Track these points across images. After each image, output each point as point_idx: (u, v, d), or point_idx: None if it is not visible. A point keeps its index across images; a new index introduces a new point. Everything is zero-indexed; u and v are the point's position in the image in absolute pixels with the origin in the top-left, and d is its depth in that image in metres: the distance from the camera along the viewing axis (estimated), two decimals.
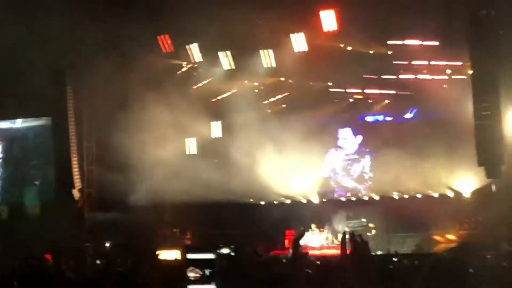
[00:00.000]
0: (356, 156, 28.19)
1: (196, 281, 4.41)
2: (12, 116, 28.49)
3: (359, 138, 28.05)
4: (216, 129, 27.91)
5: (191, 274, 4.46)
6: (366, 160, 27.99)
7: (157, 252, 21.84)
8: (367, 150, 28.01)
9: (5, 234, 26.37)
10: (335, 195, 27.99)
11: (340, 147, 28.26)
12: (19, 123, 28.80)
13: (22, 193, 28.54)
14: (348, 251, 11.31)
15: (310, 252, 24.37)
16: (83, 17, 23.54)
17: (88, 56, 24.95)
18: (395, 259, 17.25)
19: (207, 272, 7.91)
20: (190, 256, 4.46)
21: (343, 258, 10.67)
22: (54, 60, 25.17)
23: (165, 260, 18.62)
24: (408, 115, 27.13)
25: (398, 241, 25.63)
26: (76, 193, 27.24)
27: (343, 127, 28.24)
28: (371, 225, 26.45)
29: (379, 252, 23.59)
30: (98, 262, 18.84)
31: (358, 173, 28.12)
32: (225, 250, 18.00)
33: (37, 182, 28.40)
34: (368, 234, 25.87)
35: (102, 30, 23.96)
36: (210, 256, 4.35)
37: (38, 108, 27.25)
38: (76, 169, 27.28)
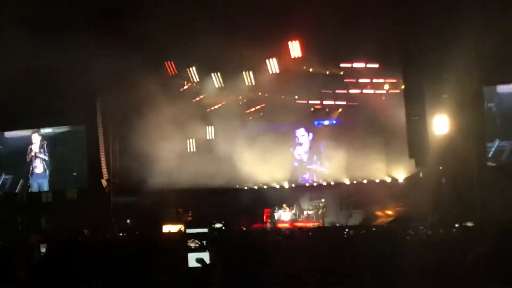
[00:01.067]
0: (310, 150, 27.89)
1: (195, 250, 4.14)
2: (55, 124, 28.12)
3: (311, 135, 27.70)
4: (210, 132, 27.64)
5: (192, 244, 4.19)
6: (320, 152, 27.67)
7: (164, 226, 21.67)
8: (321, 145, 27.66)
9: (51, 214, 26.20)
10: (300, 181, 27.64)
11: (300, 143, 27.90)
12: (61, 128, 28.29)
13: (63, 182, 28.11)
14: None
15: (281, 225, 24.21)
16: (108, 47, 23.22)
17: (113, 77, 24.58)
18: (346, 230, 16.96)
19: (204, 242, 7.67)
20: (189, 230, 4.18)
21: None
22: (87, 80, 24.84)
23: (170, 232, 18.32)
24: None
25: (348, 216, 25.42)
26: (104, 182, 27.11)
27: (298, 128, 27.86)
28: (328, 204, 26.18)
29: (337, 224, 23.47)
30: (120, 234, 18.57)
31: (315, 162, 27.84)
32: (218, 225, 17.75)
33: (74, 174, 28.01)
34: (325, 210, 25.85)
35: (123, 56, 23.59)
36: (204, 230, 4.07)
37: (75, 117, 26.92)
38: (104, 164, 27.14)
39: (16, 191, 28.39)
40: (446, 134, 21.76)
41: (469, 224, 12.82)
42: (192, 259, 3.51)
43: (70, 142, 28.26)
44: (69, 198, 27.75)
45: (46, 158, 28.30)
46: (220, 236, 10.90)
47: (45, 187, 28.27)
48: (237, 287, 3.55)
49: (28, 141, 28.41)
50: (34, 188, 28.31)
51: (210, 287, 3.33)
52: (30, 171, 28.36)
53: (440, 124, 21.79)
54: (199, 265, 3.44)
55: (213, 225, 14.05)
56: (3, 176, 28.64)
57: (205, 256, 3.47)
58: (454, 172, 21.62)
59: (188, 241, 4.12)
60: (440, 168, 22.18)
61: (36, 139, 28.40)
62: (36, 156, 28.35)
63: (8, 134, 28.85)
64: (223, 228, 17.35)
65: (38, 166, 28.33)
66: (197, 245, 3.95)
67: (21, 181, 28.44)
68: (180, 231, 17.06)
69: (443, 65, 20.93)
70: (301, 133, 27.87)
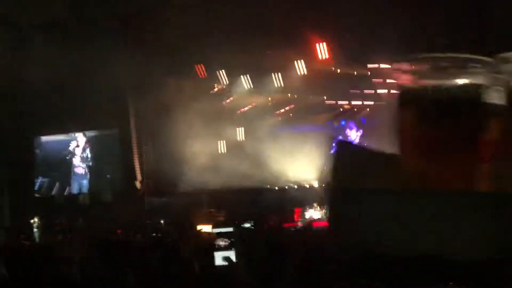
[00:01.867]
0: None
1: (222, 248, 4.33)
2: (90, 128, 28.65)
3: (359, 132, 27.77)
4: (240, 133, 27.81)
5: (221, 242, 4.36)
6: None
7: (197, 226, 21.93)
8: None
9: (87, 215, 26.61)
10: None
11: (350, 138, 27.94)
12: (95, 132, 28.82)
13: (99, 184, 28.55)
14: None
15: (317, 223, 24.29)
16: (140, 51, 23.66)
17: (144, 81, 25.01)
18: None
19: (232, 241, 7.85)
20: (215, 230, 4.37)
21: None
22: (121, 86, 25.27)
23: (201, 232, 18.55)
24: None
25: None
26: (138, 184, 27.42)
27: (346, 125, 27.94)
28: None
29: None
30: (153, 234, 18.85)
31: None
32: (247, 224, 17.91)
33: (109, 176, 28.42)
34: None
35: (154, 60, 24.01)
36: (230, 229, 4.26)
37: (108, 121, 27.40)
38: (137, 166, 27.48)
39: (53, 193, 28.94)
40: None
41: None
42: (219, 258, 3.69)
43: (105, 145, 28.70)
44: (105, 200, 28.20)
45: (88, 160, 28.76)
46: (251, 235, 11.11)
47: (85, 189, 28.76)
48: (262, 286, 3.72)
49: (65, 145, 28.93)
50: (75, 190, 28.81)
51: (236, 285, 3.51)
52: (71, 173, 28.87)
53: None
54: (225, 263, 3.63)
55: (241, 225, 14.23)
56: (40, 179, 29.19)
57: (232, 254, 3.64)
58: None
59: (218, 239, 4.29)
60: None
61: (81, 141, 28.90)
62: (77, 158, 28.85)
63: (44, 138, 29.40)
64: (252, 227, 17.49)
65: (79, 169, 28.81)
66: (227, 243, 4.11)
67: (57, 183, 28.98)
68: (209, 233, 17.34)
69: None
70: (351, 129, 27.92)
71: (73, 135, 28.94)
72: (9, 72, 25.00)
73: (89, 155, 28.82)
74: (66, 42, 23.82)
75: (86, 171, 28.81)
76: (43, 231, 23.89)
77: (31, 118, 26.95)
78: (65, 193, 28.85)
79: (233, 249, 3.63)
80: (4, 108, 26.53)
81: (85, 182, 28.79)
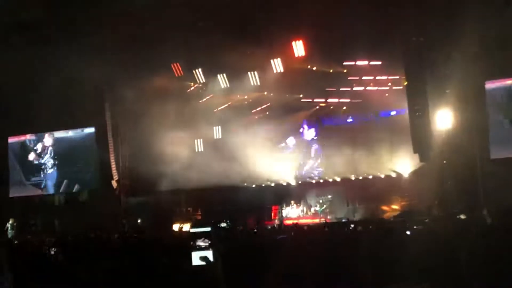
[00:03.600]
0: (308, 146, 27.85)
1: (200, 248, 4.19)
2: (66, 127, 28.14)
3: (313, 131, 27.70)
4: (217, 132, 27.63)
5: (201, 243, 4.24)
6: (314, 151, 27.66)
7: (174, 225, 21.75)
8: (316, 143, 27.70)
9: (62, 216, 26.28)
10: (307, 179, 27.61)
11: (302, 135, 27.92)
12: (71, 132, 28.31)
13: (74, 184, 28.17)
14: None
15: (289, 222, 24.18)
16: (116, 50, 23.36)
17: (121, 81, 24.71)
18: (352, 225, 17.02)
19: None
20: (193, 230, 4.23)
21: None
22: (96, 85, 24.95)
23: (175, 231, 18.40)
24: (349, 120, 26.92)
25: (354, 211, 25.47)
26: (114, 183, 27.15)
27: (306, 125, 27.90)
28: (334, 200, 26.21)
29: (343, 220, 23.54)
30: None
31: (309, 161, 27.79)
32: (223, 224, 17.81)
33: (85, 176, 28.01)
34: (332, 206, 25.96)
35: (131, 60, 23.75)
36: (208, 229, 4.12)
37: (84, 120, 27.05)
38: (114, 165, 27.15)
39: (27, 194, 28.58)
40: (449, 129, 21.78)
41: (462, 216, 12.85)
42: (196, 258, 3.55)
43: (80, 145, 28.29)
44: (81, 200, 27.88)
45: (63, 160, 28.37)
46: (224, 234, 10.96)
47: (60, 189, 28.35)
48: (239, 285, 3.59)
49: (39, 145, 28.55)
50: (50, 190, 28.41)
51: (214, 285, 3.37)
52: (46, 173, 28.49)
53: (443, 119, 21.81)
54: (203, 263, 3.48)
55: (218, 224, 14.08)
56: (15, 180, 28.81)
57: (209, 254, 3.50)
58: (458, 166, 21.62)
59: (198, 240, 4.17)
60: (444, 162, 22.20)
61: (48, 141, 28.49)
62: (52, 158, 28.47)
63: (18, 138, 28.95)
64: (228, 227, 17.39)
65: (53, 169, 28.43)
66: (207, 244, 3.98)
67: (31, 184, 28.64)
68: (180, 229, 17.18)
69: (445, 60, 20.93)
70: (305, 128, 27.87)
71: (47, 134, 28.46)
72: None
73: (65, 155, 28.37)
74: (42, 42, 23.45)
75: (61, 171, 28.32)
76: (19, 231, 23.63)
77: (3, 119, 26.43)
78: (41, 193, 28.39)
79: (210, 249, 3.49)
80: None
81: (60, 182, 28.31)
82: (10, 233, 24.17)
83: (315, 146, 27.59)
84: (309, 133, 27.69)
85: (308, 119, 27.65)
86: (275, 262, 5.95)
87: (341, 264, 6.08)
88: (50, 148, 28.42)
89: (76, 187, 28.03)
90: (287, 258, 7.28)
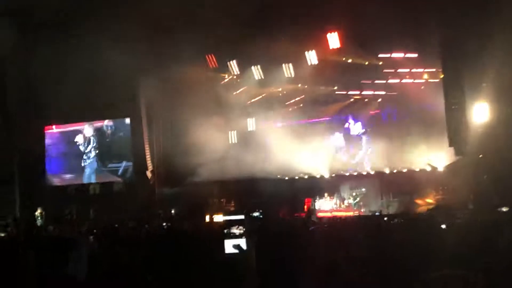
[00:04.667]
0: (357, 139, 27.64)
1: (233, 236, 4.19)
2: (102, 117, 28.50)
3: (359, 124, 27.51)
4: (251, 123, 27.61)
5: (235, 231, 4.23)
6: (365, 142, 27.46)
7: (207, 216, 21.80)
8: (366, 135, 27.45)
9: (97, 206, 26.50)
10: (341, 171, 27.46)
11: (347, 130, 27.73)
12: (107, 122, 28.61)
13: (109, 174, 28.43)
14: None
15: (322, 214, 24.10)
16: (151, 41, 23.48)
17: (155, 72, 24.82)
18: (385, 218, 16.92)
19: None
20: (226, 217, 4.24)
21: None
22: (130, 75, 25.06)
23: (212, 221, 18.44)
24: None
25: (388, 205, 25.31)
26: (149, 174, 27.29)
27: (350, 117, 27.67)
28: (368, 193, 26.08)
29: (376, 213, 23.40)
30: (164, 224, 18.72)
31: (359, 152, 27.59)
32: (255, 213, 17.81)
33: (120, 166, 28.24)
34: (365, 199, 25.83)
35: (165, 51, 23.82)
36: (241, 217, 4.11)
37: (120, 110, 27.35)
38: (148, 156, 27.33)
39: (63, 183, 28.93)
40: (486, 123, 21.43)
41: (504, 209, 12.63)
42: (229, 245, 3.54)
43: (116, 135, 28.55)
44: (116, 190, 28.11)
45: (98, 150, 28.66)
46: (257, 223, 10.94)
47: (93, 179, 28.66)
48: (272, 274, 3.59)
49: (76, 135, 28.84)
50: (85, 180, 28.73)
51: (247, 273, 3.36)
52: (82, 163, 28.81)
53: (480, 113, 21.49)
54: (236, 251, 3.48)
55: (251, 214, 14.06)
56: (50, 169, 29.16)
57: (242, 242, 3.50)
58: (494, 160, 21.27)
59: (233, 227, 4.18)
60: (480, 156, 21.88)
61: (88, 132, 28.80)
62: (88, 149, 28.76)
63: (56, 128, 29.29)
64: (261, 216, 17.38)
65: (89, 159, 28.72)
66: (241, 231, 3.97)
67: (67, 174, 28.96)
68: (211, 219, 17.23)
69: (482, 52, 20.60)
70: (351, 122, 27.74)
71: (87, 125, 28.77)
72: (23, 64, 25.13)
73: (100, 145, 28.65)
74: (77, 34, 23.70)
75: (97, 161, 28.62)
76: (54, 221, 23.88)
77: (42, 109, 26.77)
78: (76, 183, 28.71)
79: (243, 237, 3.47)
80: (15, 98, 26.43)
81: (95, 172, 28.62)
82: (39, 222, 24.46)
83: (365, 137, 27.38)
84: (356, 127, 27.49)
85: (354, 113, 27.49)
86: (309, 251, 5.91)
87: (377, 254, 6.00)
88: (91, 138, 28.68)
89: (110, 178, 28.28)
90: (320, 248, 7.24)
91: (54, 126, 29.26)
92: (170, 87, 25.08)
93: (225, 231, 3.45)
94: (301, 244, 5.95)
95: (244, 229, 3.41)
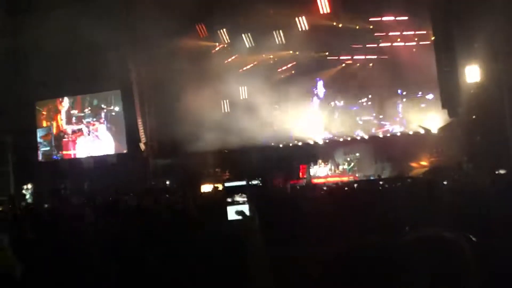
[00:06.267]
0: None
1: (233, 203, 4.22)
2: (92, 90, 28.36)
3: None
4: (243, 92, 27.52)
5: (238, 198, 4.27)
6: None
7: (202, 186, 21.93)
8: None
9: (91, 179, 26.52)
10: (334, 137, 27.53)
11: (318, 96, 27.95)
12: (99, 95, 28.64)
13: (103, 147, 28.45)
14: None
15: (317, 181, 24.22)
16: (140, 11, 23.37)
17: (145, 42, 24.73)
18: (381, 182, 17.03)
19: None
20: (228, 184, 4.29)
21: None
22: (121, 47, 24.94)
23: (206, 192, 18.51)
24: None
25: (382, 168, 25.43)
26: (142, 146, 27.25)
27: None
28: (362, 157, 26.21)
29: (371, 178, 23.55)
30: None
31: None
32: (254, 181, 17.90)
33: (113, 138, 28.23)
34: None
35: (155, 21, 23.66)
36: (243, 183, 4.16)
37: (110, 83, 27.12)
38: (141, 127, 27.23)
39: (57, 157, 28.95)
40: (478, 84, 21.49)
41: (502, 171, 12.76)
42: (232, 212, 3.61)
43: (108, 108, 28.48)
44: (109, 162, 28.10)
45: (91, 123, 28.64)
46: (259, 191, 11.00)
47: (88, 153, 28.67)
48: (275, 239, 3.66)
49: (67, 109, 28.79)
50: (78, 153, 28.72)
51: (250, 239, 3.42)
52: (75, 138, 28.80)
53: (472, 74, 21.52)
54: (239, 217, 3.55)
55: (250, 182, 14.14)
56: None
57: (245, 208, 3.57)
58: (487, 121, 21.41)
59: (235, 194, 4.21)
60: (473, 117, 22.00)
61: (84, 104, 28.79)
62: (80, 122, 28.78)
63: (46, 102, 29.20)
64: (260, 184, 17.50)
65: (82, 132, 28.71)
66: (244, 198, 4.01)
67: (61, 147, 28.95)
68: (219, 190, 17.29)
69: (473, 13, 20.58)
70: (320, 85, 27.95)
71: (80, 98, 28.70)
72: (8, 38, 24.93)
73: (92, 118, 28.61)
74: (66, 6, 23.54)
75: (90, 134, 28.58)
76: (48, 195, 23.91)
77: (32, 83, 26.60)
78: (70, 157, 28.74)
79: (246, 203, 3.54)
80: (3, 74, 26.25)
81: (88, 145, 28.60)
82: (29, 198, 24.55)
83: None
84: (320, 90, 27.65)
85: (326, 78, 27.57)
86: (308, 217, 5.99)
87: (374, 215, 6.07)
88: (77, 111, 28.64)
89: (104, 150, 28.28)
90: (319, 213, 7.32)
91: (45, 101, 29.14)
92: (162, 58, 24.94)
93: (227, 198, 3.50)
94: (302, 209, 6.03)
95: (246, 196, 3.47)
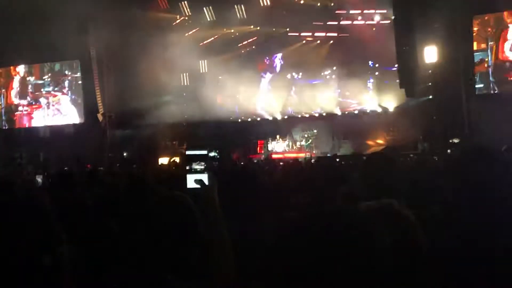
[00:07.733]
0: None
1: (193, 172, 4.20)
2: (49, 59, 27.88)
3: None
4: (203, 65, 27.44)
5: (197, 166, 4.25)
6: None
7: (160, 158, 21.90)
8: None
9: (47, 149, 26.20)
10: (292, 113, 27.66)
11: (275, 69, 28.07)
12: (57, 65, 28.23)
13: (59, 117, 28.10)
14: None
15: (275, 156, 24.36)
16: None
17: (104, 11, 24.34)
18: (337, 159, 17.21)
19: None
20: (188, 152, 4.27)
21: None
22: (80, 17, 24.53)
23: (163, 164, 18.50)
24: None
25: (340, 146, 25.67)
26: (100, 117, 26.94)
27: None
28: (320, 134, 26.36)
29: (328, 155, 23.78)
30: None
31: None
32: (212, 153, 17.99)
33: (70, 108, 27.87)
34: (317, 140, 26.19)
35: None
36: (204, 152, 4.15)
37: (68, 52, 26.52)
38: (99, 97, 26.88)
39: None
40: (436, 64, 21.79)
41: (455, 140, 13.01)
42: (191, 180, 3.61)
43: (66, 77, 28.08)
44: (66, 132, 27.74)
45: (48, 92, 28.20)
46: (215, 163, 11.06)
47: (45, 122, 28.27)
48: (233, 209, 3.70)
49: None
50: (35, 123, 28.31)
51: (209, 209, 3.44)
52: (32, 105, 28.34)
53: (430, 54, 21.81)
54: (197, 186, 3.55)
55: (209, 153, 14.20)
56: None
57: (204, 177, 3.57)
58: (444, 100, 21.75)
59: (194, 163, 4.18)
60: (430, 97, 22.33)
61: (41, 72, 28.32)
62: (37, 90, 28.33)
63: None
64: (217, 156, 17.62)
65: (39, 101, 28.28)
66: (203, 167, 3.99)
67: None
68: (173, 161, 17.32)
69: None
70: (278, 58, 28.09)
71: (38, 66, 28.22)
72: None
73: (50, 87, 28.18)
74: None
75: (49, 107, 28.16)
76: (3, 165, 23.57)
77: None
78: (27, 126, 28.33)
79: (205, 172, 3.54)
80: None
81: (45, 114, 28.19)
82: None
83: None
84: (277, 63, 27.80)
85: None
86: (266, 190, 6.06)
87: (331, 187, 6.16)
88: (35, 80, 28.20)
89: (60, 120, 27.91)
90: (277, 187, 7.41)
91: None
92: (121, 29, 24.60)
93: (186, 167, 3.49)
94: (259, 182, 6.09)
95: (205, 165, 3.46)
